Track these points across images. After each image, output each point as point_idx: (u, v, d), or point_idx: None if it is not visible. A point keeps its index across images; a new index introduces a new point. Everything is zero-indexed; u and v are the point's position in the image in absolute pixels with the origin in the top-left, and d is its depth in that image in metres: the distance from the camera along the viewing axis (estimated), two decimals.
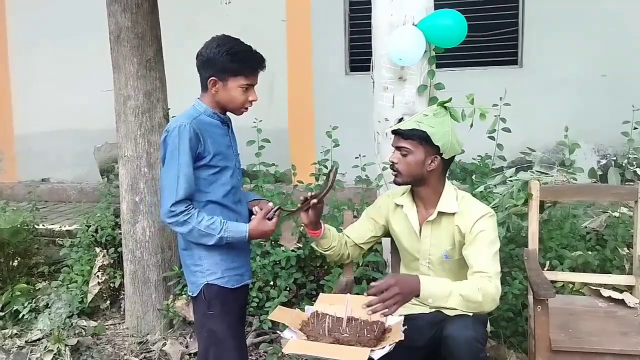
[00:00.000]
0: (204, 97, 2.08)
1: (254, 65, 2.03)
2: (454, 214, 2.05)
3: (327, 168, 3.42)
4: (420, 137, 2.00)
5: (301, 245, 3.23)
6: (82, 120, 5.91)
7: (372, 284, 1.82)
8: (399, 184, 2.12)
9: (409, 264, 2.21)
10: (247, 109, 2.09)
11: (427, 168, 2.03)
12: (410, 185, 2.14)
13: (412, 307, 2.15)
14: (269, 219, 2.06)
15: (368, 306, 1.77)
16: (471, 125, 2.43)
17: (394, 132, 2.07)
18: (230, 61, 1.99)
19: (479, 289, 1.87)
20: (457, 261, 2.07)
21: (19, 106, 6.30)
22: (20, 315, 3.48)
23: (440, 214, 2.07)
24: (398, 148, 2.04)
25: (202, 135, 1.98)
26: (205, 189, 2.02)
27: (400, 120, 2.14)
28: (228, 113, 2.12)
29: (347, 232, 2.30)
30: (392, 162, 2.06)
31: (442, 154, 2.02)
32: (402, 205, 2.16)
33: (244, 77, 2.01)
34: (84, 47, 5.65)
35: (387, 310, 1.76)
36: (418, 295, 1.82)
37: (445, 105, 2.11)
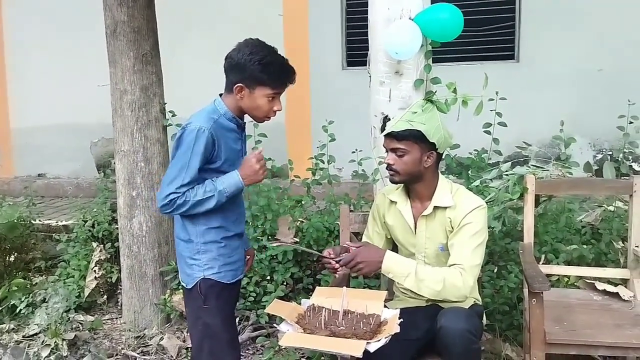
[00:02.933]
0: (226, 98, 2.02)
1: (285, 78, 2.00)
2: (448, 207, 2.07)
3: (323, 162, 3.42)
4: (415, 136, 2.01)
5: (298, 240, 3.23)
6: (78, 115, 5.90)
7: (342, 257, 2.00)
8: (396, 183, 2.13)
9: (406, 257, 2.22)
10: (269, 118, 2.05)
11: (424, 165, 2.05)
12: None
13: (408, 301, 2.17)
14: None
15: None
16: (458, 117, 2.41)
17: (386, 134, 2.07)
18: (261, 71, 1.93)
19: (443, 279, 1.94)
20: None
21: (15, 101, 6.28)
22: (18, 310, 3.49)
23: (436, 208, 2.08)
24: (393, 150, 2.05)
25: (217, 141, 1.95)
26: None
27: (385, 119, 2.13)
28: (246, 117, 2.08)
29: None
30: (388, 163, 2.07)
31: (437, 149, 2.04)
32: (396, 202, 2.18)
33: (271, 88, 1.97)
34: (80, 41, 5.63)
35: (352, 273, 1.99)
36: (380, 268, 1.97)
37: (431, 99, 2.12)
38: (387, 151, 2.10)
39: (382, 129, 2.14)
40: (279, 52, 2.00)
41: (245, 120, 2.09)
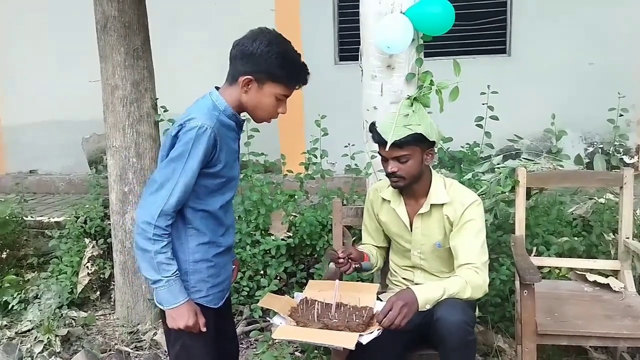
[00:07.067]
0: (226, 90, 1.78)
1: (302, 78, 1.80)
2: (444, 204, 2.08)
3: (316, 157, 3.42)
4: (416, 139, 2.00)
5: (291, 234, 3.24)
6: (70, 111, 5.86)
7: (378, 313, 1.85)
8: (401, 188, 2.11)
9: (401, 253, 2.24)
10: (270, 120, 1.85)
11: (425, 163, 2.06)
12: None
13: None
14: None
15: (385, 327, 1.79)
16: (441, 110, 2.39)
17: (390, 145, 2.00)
18: (279, 66, 1.73)
19: (467, 282, 1.94)
20: (449, 249, 2.10)
21: (6, 97, 6.23)
22: (10, 307, 3.47)
23: (432, 206, 2.09)
24: (395, 158, 2.02)
25: (219, 143, 1.71)
26: (204, 197, 1.77)
27: (372, 127, 2.06)
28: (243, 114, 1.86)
29: (365, 241, 2.33)
30: (392, 171, 2.04)
31: (434, 145, 2.06)
32: (389, 200, 2.18)
33: (284, 87, 1.77)
34: (71, 37, 5.59)
35: (402, 323, 1.78)
36: (419, 305, 1.84)
37: (415, 98, 2.12)
38: (386, 160, 2.05)
39: (375, 139, 2.07)
40: (296, 49, 1.81)
41: (244, 118, 1.87)
